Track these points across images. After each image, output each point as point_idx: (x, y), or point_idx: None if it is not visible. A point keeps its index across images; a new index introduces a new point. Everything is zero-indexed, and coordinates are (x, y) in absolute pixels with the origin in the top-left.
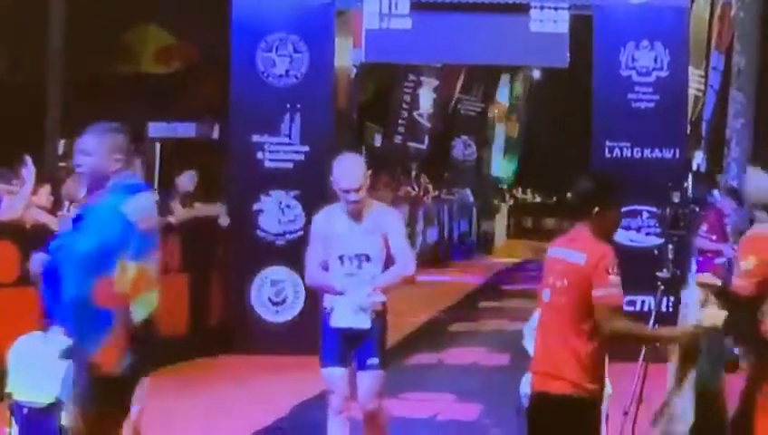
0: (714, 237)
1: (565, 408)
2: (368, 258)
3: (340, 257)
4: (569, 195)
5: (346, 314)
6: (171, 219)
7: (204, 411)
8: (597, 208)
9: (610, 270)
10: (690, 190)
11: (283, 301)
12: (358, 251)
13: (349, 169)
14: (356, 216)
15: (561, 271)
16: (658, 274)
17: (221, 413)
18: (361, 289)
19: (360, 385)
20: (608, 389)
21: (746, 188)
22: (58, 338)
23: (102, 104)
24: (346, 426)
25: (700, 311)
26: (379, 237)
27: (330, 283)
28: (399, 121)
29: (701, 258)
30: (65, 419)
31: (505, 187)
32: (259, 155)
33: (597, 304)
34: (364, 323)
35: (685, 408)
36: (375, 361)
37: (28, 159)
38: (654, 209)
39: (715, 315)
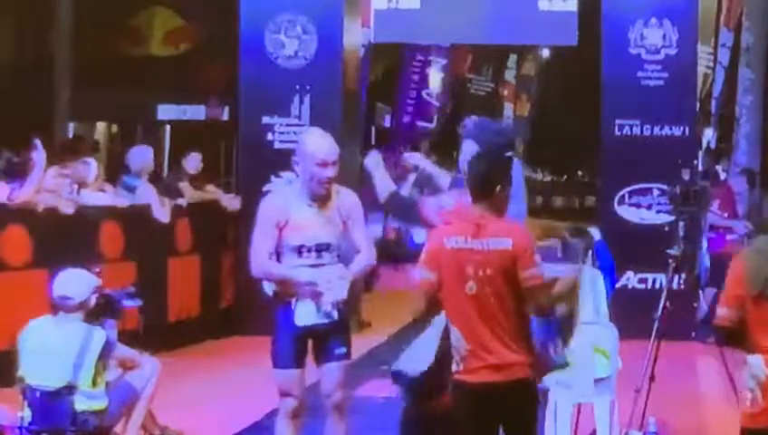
0: (725, 214)
1: (520, 391)
2: (328, 248)
3: (299, 248)
4: (468, 178)
5: (314, 311)
6: (181, 202)
7: (216, 393)
8: (498, 187)
9: (534, 249)
10: (700, 167)
11: None
12: (320, 241)
13: (325, 141)
14: (321, 200)
15: (483, 260)
16: (669, 251)
17: (233, 395)
18: (333, 283)
19: (330, 376)
20: (618, 363)
21: None
22: (69, 322)
23: (112, 87)
24: (299, 429)
25: None
26: (341, 225)
27: (292, 276)
28: (408, 101)
29: (713, 235)
30: (78, 402)
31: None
32: (269, 136)
33: (531, 284)
34: (332, 316)
35: None
36: (343, 350)
37: (38, 143)
38: (664, 187)
39: None
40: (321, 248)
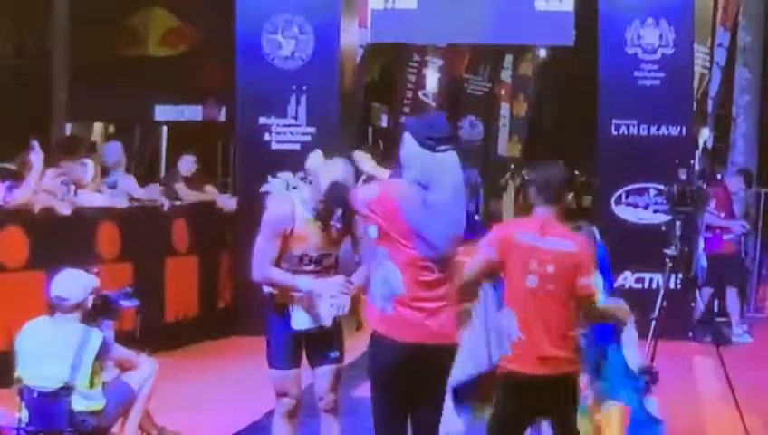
0: (722, 214)
1: (565, 384)
2: (329, 257)
3: (301, 256)
4: (535, 182)
5: (309, 316)
6: (178, 202)
7: (213, 393)
8: (564, 195)
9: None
10: (697, 167)
11: None
12: (321, 251)
13: (347, 171)
14: (324, 211)
15: (548, 259)
16: (666, 251)
17: (231, 395)
18: (337, 297)
19: (323, 379)
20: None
21: None
22: (66, 322)
23: (109, 88)
24: (296, 429)
25: None
26: (342, 236)
27: (294, 284)
28: (405, 101)
29: (710, 235)
30: (75, 403)
31: (512, 166)
32: (266, 137)
33: (585, 293)
34: (328, 322)
35: None
36: (336, 354)
37: (35, 144)
38: (661, 186)
39: None
40: (321, 258)
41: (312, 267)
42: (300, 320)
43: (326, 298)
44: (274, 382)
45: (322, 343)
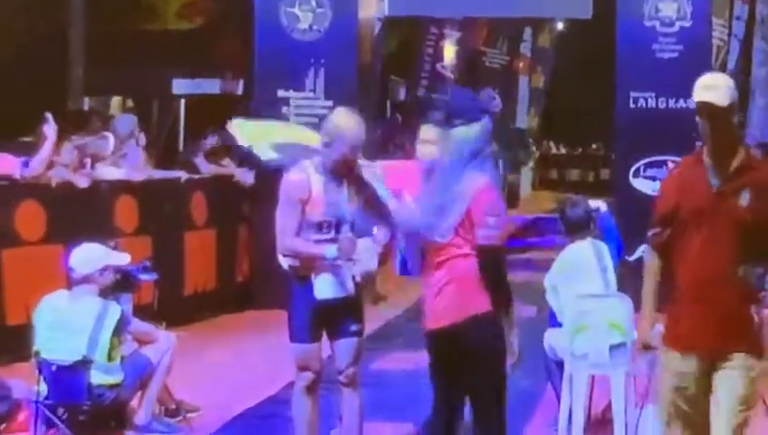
0: None
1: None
2: (347, 223)
3: (319, 223)
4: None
5: (333, 284)
6: (196, 176)
7: (231, 366)
8: None
9: None
10: None
11: None
12: (339, 216)
13: (360, 126)
14: (341, 176)
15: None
16: None
17: (249, 368)
18: (362, 254)
19: (343, 352)
20: (633, 335)
21: None
22: (84, 296)
23: (125, 61)
24: (316, 402)
25: None
26: (358, 199)
27: (322, 253)
28: (423, 74)
29: None
30: (93, 376)
31: (530, 139)
32: (284, 110)
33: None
34: (350, 290)
35: None
36: (356, 327)
37: (49, 117)
38: (679, 159)
39: None
40: (340, 223)
41: (332, 234)
42: (323, 288)
43: (350, 266)
44: (296, 356)
45: (344, 315)
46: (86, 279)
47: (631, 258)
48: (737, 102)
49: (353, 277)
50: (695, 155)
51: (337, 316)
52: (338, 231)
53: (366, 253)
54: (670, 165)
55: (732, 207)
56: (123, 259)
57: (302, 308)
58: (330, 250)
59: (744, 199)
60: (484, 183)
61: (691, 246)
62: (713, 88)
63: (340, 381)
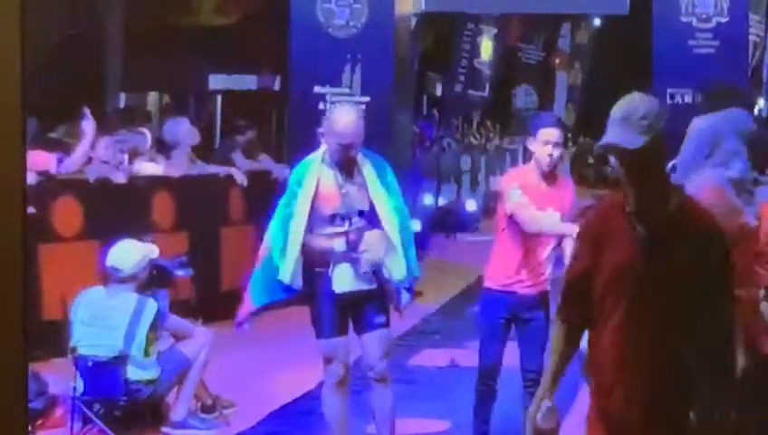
0: None
1: None
2: (360, 214)
3: (331, 217)
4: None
5: (352, 277)
6: (234, 171)
7: (268, 362)
8: None
9: None
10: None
11: None
12: (350, 208)
13: (352, 122)
14: (348, 168)
15: None
16: None
17: (285, 364)
18: (369, 244)
19: (371, 346)
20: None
21: None
22: (121, 292)
23: (163, 57)
24: (347, 399)
25: None
26: (369, 191)
27: (331, 247)
28: (460, 70)
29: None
30: (130, 372)
31: (568, 135)
32: (320, 106)
33: None
34: (370, 283)
35: None
36: (382, 319)
37: (87, 112)
38: None
39: None
40: (351, 215)
41: (344, 226)
42: (341, 280)
43: (360, 249)
44: (323, 352)
45: (367, 308)
46: (131, 278)
47: None
48: (661, 134)
49: (374, 264)
50: (613, 197)
51: (360, 310)
52: (351, 223)
53: (374, 244)
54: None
55: (665, 265)
56: (155, 252)
57: (323, 303)
58: (338, 243)
59: (681, 253)
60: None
61: (612, 317)
62: (622, 123)
63: (370, 377)
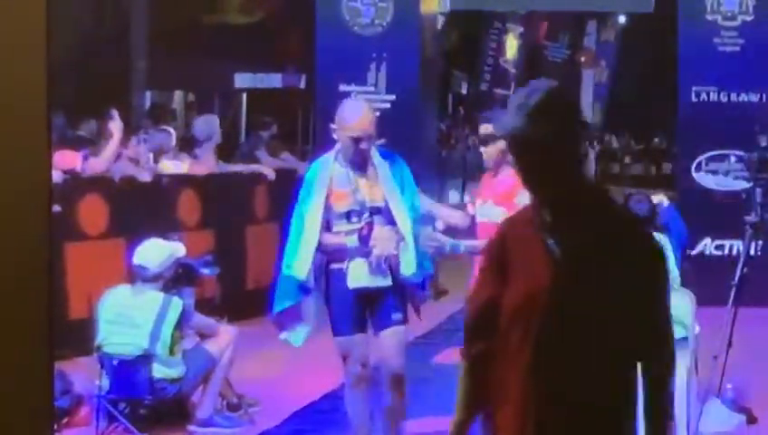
0: None
1: None
2: (378, 211)
3: (347, 213)
4: None
5: (366, 273)
6: (261, 169)
7: (292, 361)
8: None
9: None
10: None
11: None
12: (366, 205)
13: (363, 115)
14: (362, 164)
15: None
16: (746, 217)
17: (310, 363)
18: (378, 240)
19: (387, 343)
20: (695, 329)
21: None
22: (146, 290)
23: (188, 56)
24: (367, 397)
25: None
26: (385, 187)
27: (344, 243)
28: (485, 69)
29: None
30: (155, 370)
31: (593, 133)
32: None
33: None
34: (385, 279)
35: None
36: (399, 316)
37: (114, 112)
38: (741, 153)
39: None
40: (365, 212)
41: (360, 223)
42: (356, 276)
43: (371, 244)
44: (340, 350)
45: (384, 304)
46: (158, 276)
47: (693, 252)
48: (572, 128)
49: (387, 258)
50: (522, 211)
51: (377, 306)
52: (366, 219)
53: (384, 239)
54: (732, 159)
55: (585, 290)
56: (181, 250)
57: (339, 300)
58: (350, 239)
59: (606, 274)
60: None
61: (519, 355)
62: (521, 109)
63: (384, 376)
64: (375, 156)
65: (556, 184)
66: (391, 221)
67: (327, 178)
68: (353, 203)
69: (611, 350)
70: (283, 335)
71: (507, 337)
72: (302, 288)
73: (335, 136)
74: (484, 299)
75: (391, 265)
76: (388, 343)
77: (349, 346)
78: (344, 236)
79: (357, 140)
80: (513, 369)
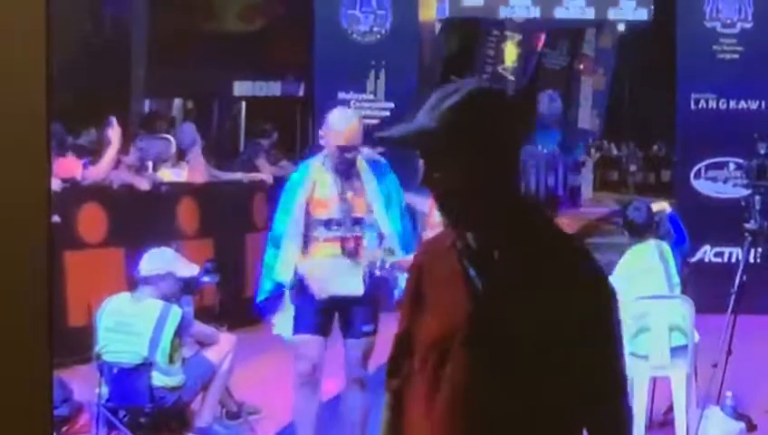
0: None
1: None
2: (361, 222)
3: (326, 222)
4: None
5: (339, 281)
6: (260, 176)
7: (292, 369)
8: None
9: None
10: None
11: None
12: (347, 214)
13: (350, 124)
14: (347, 173)
15: None
16: (746, 225)
17: None
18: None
19: (353, 351)
20: (694, 337)
21: None
22: (145, 298)
23: (187, 64)
24: (315, 397)
25: None
26: (369, 199)
27: (321, 249)
28: (484, 76)
29: None
30: (155, 379)
31: (591, 140)
32: None
33: None
34: (357, 289)
35: None
36: (370, 328)
37: (113, 120)
38: (740, 161)
39: None
40: (347, 221)
41: (340, 231)
42: (325, 287)
43: (349, 265)
44: (295, 348)
45: (355, 314)
46: (146, 281)
47: (692, 260)
48: (504, 133)
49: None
50: (447, 230)
51: (348, 315)
52: (349, 229)
53: (371, 252)
54: (731, 166)
55: (508, 326)
56: (188, 271)
57: (304, 304)
58: (331, 248)
59: (533, 311)
60: None
61: (433, 397)
62: (434, 110)
63: (346, 377)
64: (363, 167)
65: (479, 203)
66: (374, 231)
67: (310, 182)
68: (335, 211)
69: (545, 406)
70: (275, 329)
71: (422, 376)
72: (279, 285)
73: (322, 142)
74: (401, 332)
75: (379, 277)
76: (353, 352)
77: (304, 346)
78: (325, 243)
79: (343, 149)
80: (429, 412)
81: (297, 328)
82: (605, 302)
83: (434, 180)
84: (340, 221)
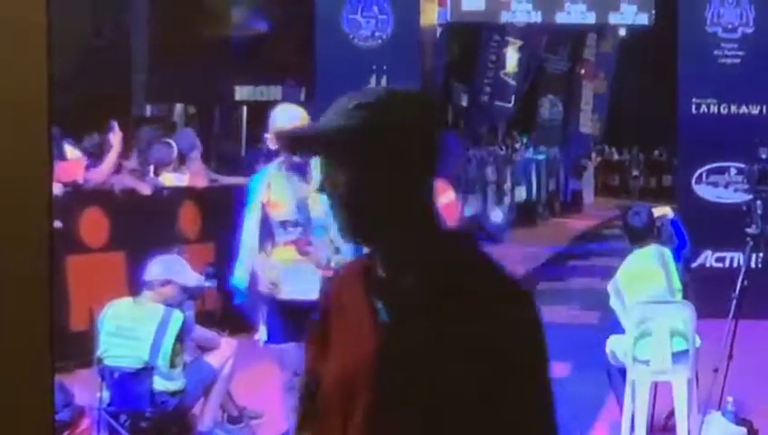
0: None
1: None
2: (319, 223)
3: (283, 223)
4: None
5: (297, 287)
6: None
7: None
8: None
9: None
10: None
11: None
12: (304, 215)
13: (297, 121)
14: (302, 172)
15: None
16: (747, 230)
17: None
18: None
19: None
20: (696, 341)
21: None
22: (147, 303)
23: (188, 68)
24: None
25: None
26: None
27: (279, 253)
28: (485, 81)
29: None
30: (156, 383)
31: (593, 145)
32: None
33: None
34: (315, 293)
35: None
36: None
37: (114, 124)
38: (741, 165)
39: None
40: (304, 222)
41: (296, 233)
42: (287, 290)
43: (307, 268)
44: (273, 356)
45: None
46: (146, 285)
47: (694, 265)
48: (418, 149)
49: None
50: (361, 259)
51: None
52: (305, 232)
53: (319, 250)
54: (733, 171)
55: (417, 367)
56: (190, 280)
57: (271, 309)
58: (288, 251)
59: (448, 349)
60: None
61: None
62: (337, 107)
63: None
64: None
65: (386, 220)
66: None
67: (264, 185)
68: (290, 213)
69: None
70: (260, 339)
71: (327, 422)
72: (242, 293)
73: (269, 145)
74: (308, 373)
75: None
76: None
77: (280, 355)
78: (282, 247)
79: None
80: None
81: (270, 337)
82: (532, 347)
83: (335, 185)
84: (296, 223)
